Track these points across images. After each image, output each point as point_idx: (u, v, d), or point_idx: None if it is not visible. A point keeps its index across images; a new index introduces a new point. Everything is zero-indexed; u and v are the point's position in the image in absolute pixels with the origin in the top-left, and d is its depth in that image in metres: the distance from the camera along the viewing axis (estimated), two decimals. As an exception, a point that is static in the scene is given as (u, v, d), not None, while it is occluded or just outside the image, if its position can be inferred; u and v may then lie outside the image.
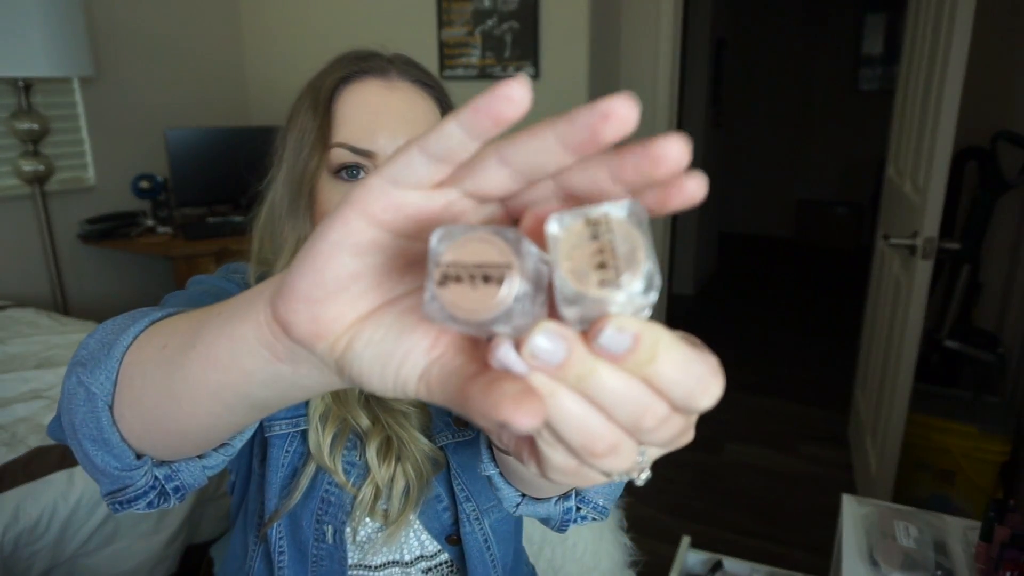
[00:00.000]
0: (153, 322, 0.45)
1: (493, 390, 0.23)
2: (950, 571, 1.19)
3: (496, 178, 0.25)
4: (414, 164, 0.24)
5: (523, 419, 0.22)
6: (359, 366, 0.28)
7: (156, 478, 0.47)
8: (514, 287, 0.23)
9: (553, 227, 0.23)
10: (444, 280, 0.23)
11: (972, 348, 2.51)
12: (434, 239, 0.24)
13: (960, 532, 1.31)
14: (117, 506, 0.48)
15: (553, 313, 0.25)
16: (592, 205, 0.24)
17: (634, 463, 0.26)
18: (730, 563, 1.63)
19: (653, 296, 0.23)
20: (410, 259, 0.29)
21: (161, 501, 0.49)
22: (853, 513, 1.38)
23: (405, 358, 0.28)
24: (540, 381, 0.24)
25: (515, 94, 0.22)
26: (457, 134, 0.23)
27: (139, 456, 0.45)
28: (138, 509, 0.48)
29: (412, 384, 0.28)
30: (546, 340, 0.23)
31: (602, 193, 0.25)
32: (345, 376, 0.29)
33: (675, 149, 0.22)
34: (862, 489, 2.32)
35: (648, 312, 0.24)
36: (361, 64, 0.70)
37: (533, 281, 0.24)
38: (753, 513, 2.33)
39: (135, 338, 0.44)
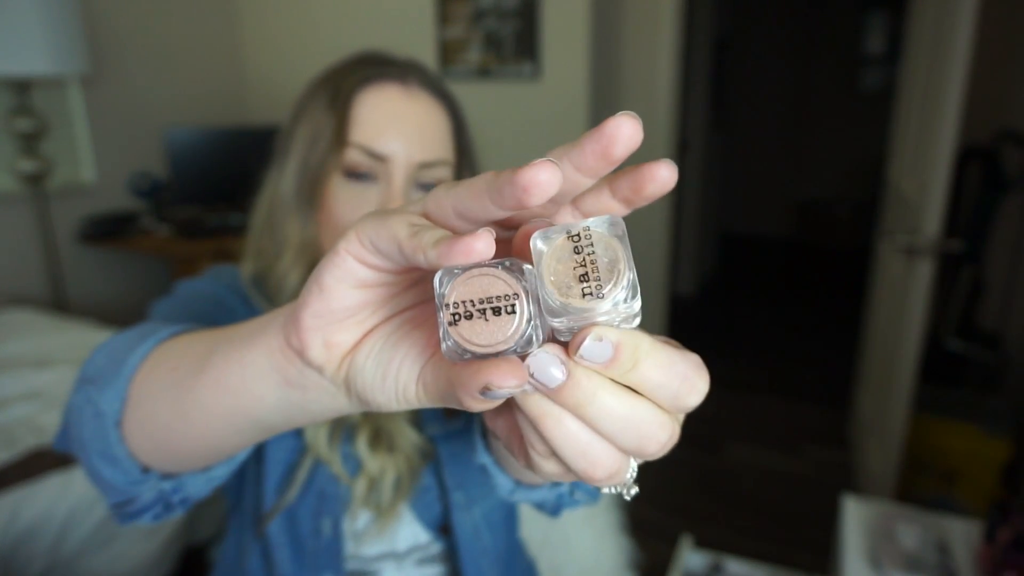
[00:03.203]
0: (161, 340, 0.45)
1: (477, 364, 0.24)
2: (953, 572, 1.19)
3: (460, 227, 0.26)
4: (392, 253, 0.25)
5: (505, 379, 0.23)
6: (363, 379, 0.30)
7: (162, 491, 0.48)
8: (525, 314, 0.24)
9: (538, 243, 0.24)
10: (455, 320, 0.24)
11: (975, 348, 2.50)
12: (436, 281, 0.25)
13: (963, 533, 1.30)
14: (123, 518, 0.49)
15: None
16: (574, 221, 0.25)
17: (625, 480, 0.27)
18: (730, 563, 1.63)
19: (637, 303, 0.24)
20: (413, 280, 0.30)
21: (166, 513, 0.50)
22: (854, 514, 1.37)
23: (402, 363, 0.29)
24: (546, 407, 0.24)
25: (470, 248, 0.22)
26: (424, 264, 0.24)
27: (145, 470, 0.46)
28: (143, 522, 0.49)
29: (412, 388, 0.28)
30: (554, 368, 0.24)
31: (576, 186, 0.26)
32: (352, 393, 0.31)
33: (664, 171, 0.24)
34: (863, 489, 2.31)
35: (638, 319, 0.25)
36: (383, 68, 0.71)
37: (537, 302, 0.25)
38: (753, 513, 2.32)
39: (144, 357, 0.44)
